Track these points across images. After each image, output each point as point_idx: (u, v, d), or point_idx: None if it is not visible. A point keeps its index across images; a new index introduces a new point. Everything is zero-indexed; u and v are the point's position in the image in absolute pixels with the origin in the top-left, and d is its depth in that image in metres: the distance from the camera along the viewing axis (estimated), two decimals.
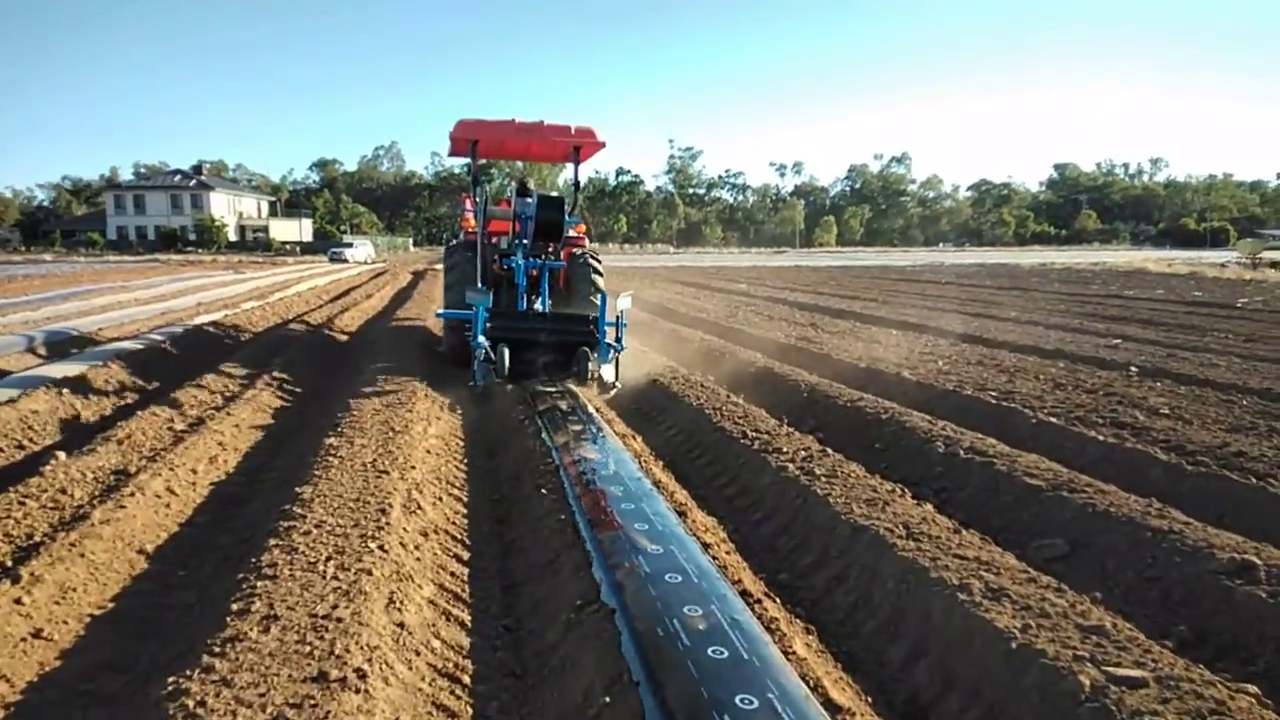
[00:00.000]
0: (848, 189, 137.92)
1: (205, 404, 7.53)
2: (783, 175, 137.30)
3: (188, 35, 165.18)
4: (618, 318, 8.63)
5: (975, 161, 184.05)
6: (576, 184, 11.38)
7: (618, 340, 8.60)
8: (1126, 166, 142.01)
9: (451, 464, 6.12)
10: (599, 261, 10.29)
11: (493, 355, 8.32)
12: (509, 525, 5.06)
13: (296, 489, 4.85)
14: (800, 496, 4.93)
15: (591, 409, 7.29)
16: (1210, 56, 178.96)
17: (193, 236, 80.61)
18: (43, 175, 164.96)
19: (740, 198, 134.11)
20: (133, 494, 4.78)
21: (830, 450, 5.72)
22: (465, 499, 5.41)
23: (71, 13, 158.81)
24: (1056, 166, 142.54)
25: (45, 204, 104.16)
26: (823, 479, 5.03)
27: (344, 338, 12.70)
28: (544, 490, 5.18)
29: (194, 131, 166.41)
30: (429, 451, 6.03)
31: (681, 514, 4.79)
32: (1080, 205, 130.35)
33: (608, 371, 8.47)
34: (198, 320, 12.77)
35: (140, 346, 9.85)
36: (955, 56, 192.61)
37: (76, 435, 6.49)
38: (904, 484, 5.07)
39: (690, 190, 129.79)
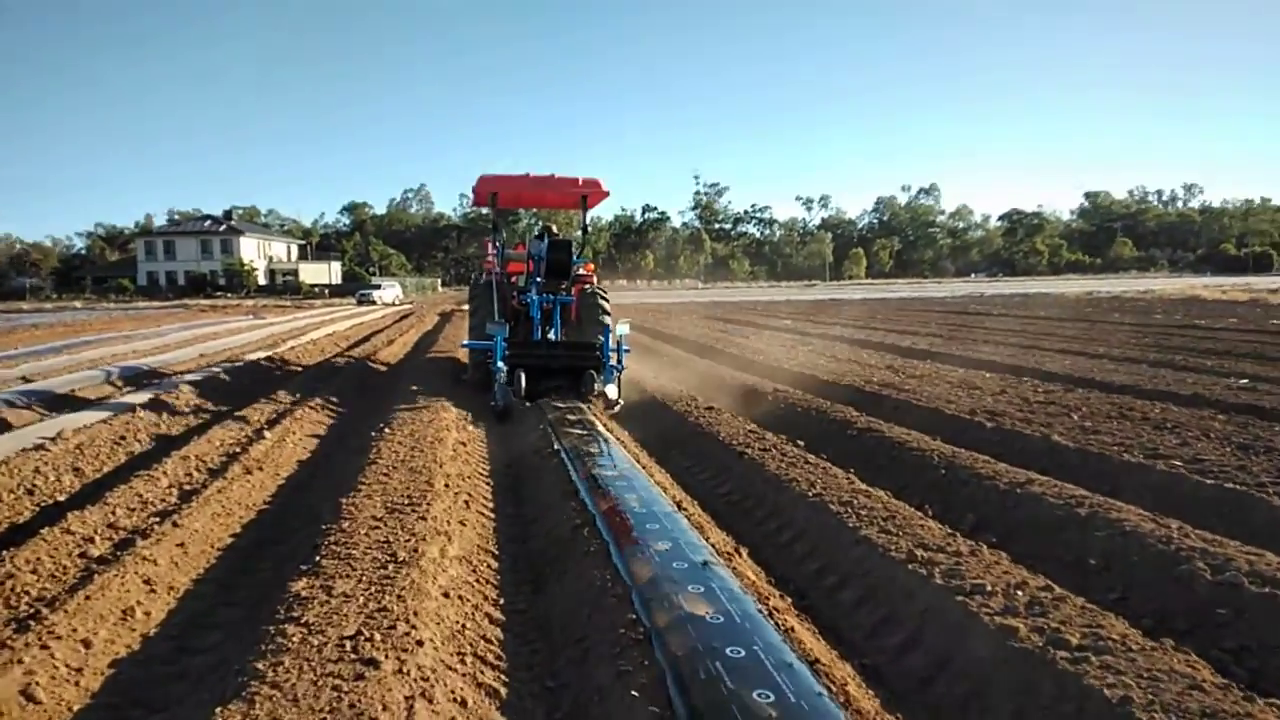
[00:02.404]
0: (876, 221, 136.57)
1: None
2: (809, 209, 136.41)
3: (223, 84, 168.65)
4: (618, 343, 9.80)
5: (1005, 191, 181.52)
6: (584, 229, 12.44)
7: (619, 362, 9.81)
8: (1160, 193, 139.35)
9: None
10: (606, 296, 11.10)
11: (511, 379, 9.35)
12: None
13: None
14: None
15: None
16: (1241, 81, 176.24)
17: (222, 281, 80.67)
18: (82, 224, 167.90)
19: (767, 232, 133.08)
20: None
21: (1058, 590, 3.62)
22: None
23: (112, 63, 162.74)
24: (1088, 195, 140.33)
25: (82, 252, 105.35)
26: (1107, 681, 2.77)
27: (336, 401, 11.34)
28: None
29: (228, 178, 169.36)
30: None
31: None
32: (1115, 233, 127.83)
33: (611, 390, 9.52)
34: (188, 373, 11.40)
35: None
36: (982, 85, 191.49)
37: None
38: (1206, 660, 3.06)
39: (717, 225, 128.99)
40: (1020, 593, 3.58)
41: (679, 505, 5.08)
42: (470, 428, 8.12)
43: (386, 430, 7.20)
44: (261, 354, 14.66)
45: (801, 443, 7.41)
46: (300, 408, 8.71)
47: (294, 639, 3.03)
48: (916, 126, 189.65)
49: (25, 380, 10.72)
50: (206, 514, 5.05)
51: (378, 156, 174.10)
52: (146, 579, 3.97)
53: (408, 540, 4.16)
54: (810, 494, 5.21)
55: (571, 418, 8.00)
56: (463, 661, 3.15)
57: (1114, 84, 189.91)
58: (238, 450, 6.80)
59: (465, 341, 11.33)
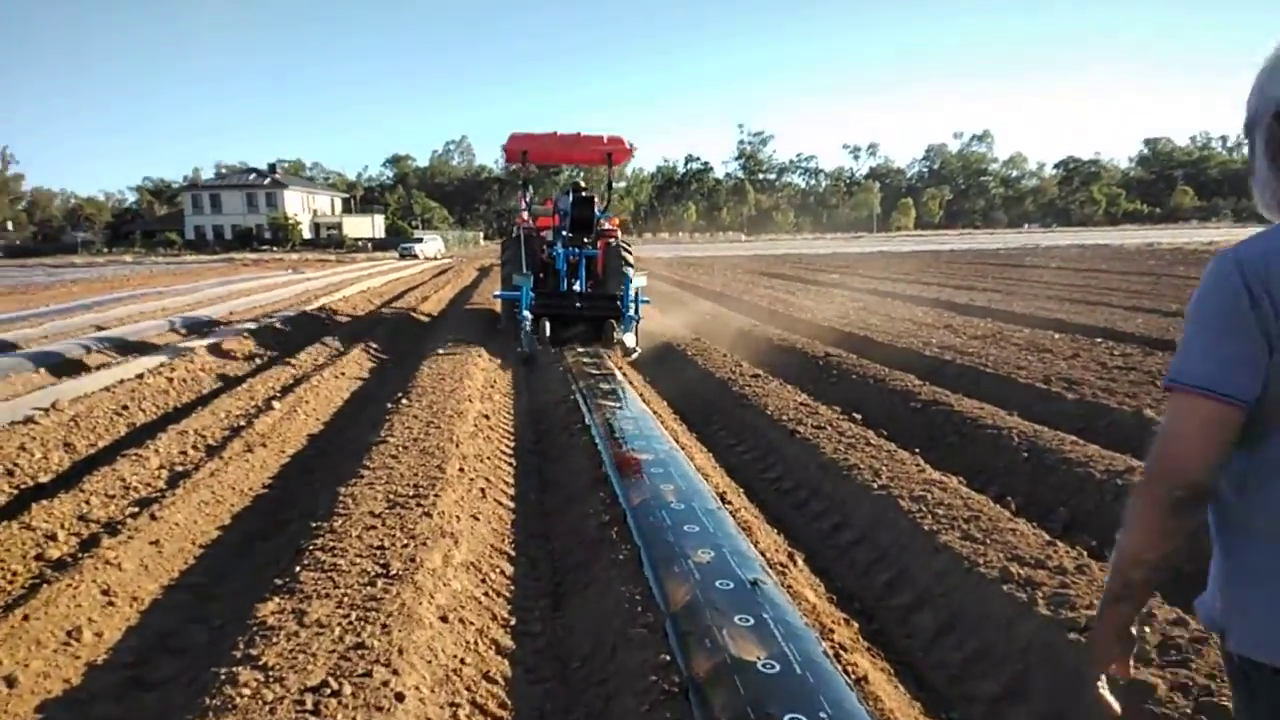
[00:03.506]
0: (926, 170, 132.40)
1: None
2: (857, 158, 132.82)
3: (269, 36, 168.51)
4: (636, 293, 10.40)
5: (1061, 138, 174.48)
6: (609, 184, 13.10)
7: (636, 313, 10.41)
8: (1225, 139, 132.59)
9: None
10: (630, 250, 11.58)
11: (536, 327, 9.99)
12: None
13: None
14: None
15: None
16: None
17: (268, 235, 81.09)
18: (134, 178, 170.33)
19: (813, 182, 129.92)
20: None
21: (1195, 626, 2.82)
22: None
23: (162, 14, 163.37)
24: (1147, 141, 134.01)
25: (133, 206, 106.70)
26: None
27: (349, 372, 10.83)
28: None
29: (274, 132, 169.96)
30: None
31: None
32: (1175, 181, 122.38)
33: (629, 339, 10.12)
34: (213, 330, 10.95)
35: None
36: (1037, 33, 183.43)
37: None
38: None
39: (761, 176, 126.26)
40: (1148, 630, 2.85)
41: (722, 498, 4.41)
42: (496, 397, 7.53)
43: (404, 401, 6.62)
44: (292, 311, 14.23)
45: (859, 417, 6.70)
46: (317, 374, 8.18)
47: (245, 690, 2.45)
48: (970, 71, 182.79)
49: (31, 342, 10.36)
50: (192, 503, 4.52)
51: (421, 107, 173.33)
52: (105, 589, 3.44)
53: (405, 546, 3.56)
54: (875, 485, 4.49)
55: (604, 386, 7.37)
56: (455, 717, 2.54)
57: (1174, 20, 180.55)
58: (241, 423, 6.29)
59: (497, 292, 12.22)
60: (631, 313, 10.31)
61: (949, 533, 3.80)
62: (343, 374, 8.52)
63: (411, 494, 4.25)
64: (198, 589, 3.75)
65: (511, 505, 4.77)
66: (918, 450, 5.56)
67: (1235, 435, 1.30)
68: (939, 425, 6.32)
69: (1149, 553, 1.38)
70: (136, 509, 4.42)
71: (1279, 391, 1.27)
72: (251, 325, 11.89)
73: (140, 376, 7.71)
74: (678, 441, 5.66)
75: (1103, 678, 1.54)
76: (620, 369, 8.57)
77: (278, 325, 12.20)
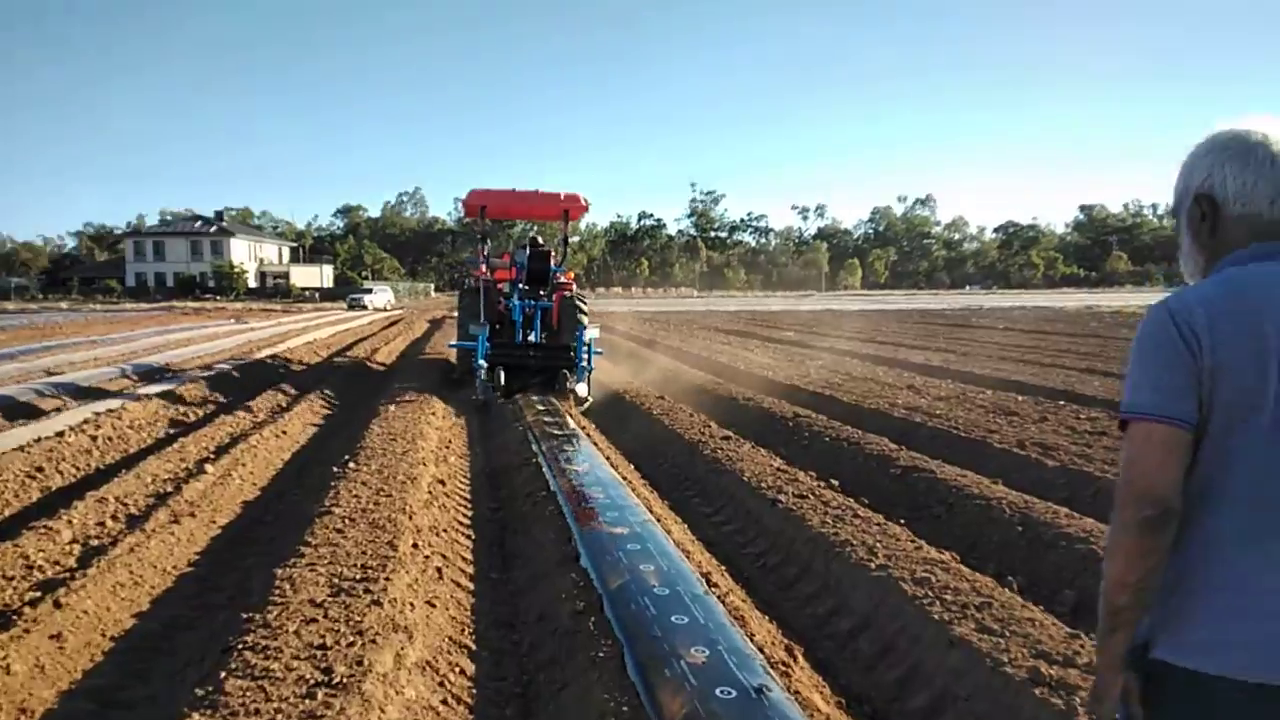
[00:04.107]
0: (871, 231, 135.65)
1: None
2: (805, 218, 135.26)
3: (221, 84, 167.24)
4: (589, 345, 10.77)
5: (1000, 203, 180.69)
6: (564, 240, 13.31)
7: (589, 364, 10.79)
8: (1155, 206, 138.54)
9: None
10: (584, 302, 12.03)
11: (491, 376, 10.26)
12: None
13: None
14: None
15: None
16: (1236, 93, 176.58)
17: (212, 283, 79.21)
18: (74, 223, 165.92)
19: (763, 240, 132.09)
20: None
21: None
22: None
23: (112, 59, 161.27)
24: (1083, 207, 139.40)
25: (73, 252, 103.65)
26: None
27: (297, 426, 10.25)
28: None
29: (222, 179, 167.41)
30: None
31: None
32: (1110, 247, 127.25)
33: (581, 388, 10.51)
34: (148, 384, 10.26)
35: None
36: (978, 98, 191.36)
37: None
38: None
39: (712, 233, 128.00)
40: None
41: (708, 580, 3.99)
42: (452, 459, 7.05)
43: (352, 464, 6.10)
44: (231, 364, 13.53)
45: (836, 483, 6.36)
46: (256, 433, 7.60)
47: None
48: (914, 137, 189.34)
49: None
50: (106, 585, 3.95)
51: (373, 159, 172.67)
52: None
53: (351, 644, 3.07)
54: (872, 565, 4.13)
55: (568, 448, 6.95)
56: None
57: (1109, 97, 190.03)
58: (169, 489, 5.70)
59: (452, 342, 12.48)
60: (584, 363, 10.68)
61: (963, 623, 3.43)
62: (284, 433, 7.94)
63: (359, 576, 3.76)
64: (104, 696, 3.19)
65: (471, 587, 4.29)
66: (903, 521, 5.23)
67: (1187, 456, 1.44)
68: (922, 494, 6.01)
69: (1130, 575, 1.46)
70: (39, 593, 3.84)
71: (1205, 421, 1.44)
72: (188, 379, 11.20)
73: (61, 434, 7.05)
74: (651, 511, 5.24)
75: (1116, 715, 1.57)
76: (584, 429, 8.16)
77: (215, 379, 11.52)
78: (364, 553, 4.10)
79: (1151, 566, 1.45)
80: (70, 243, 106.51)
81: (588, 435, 7.78)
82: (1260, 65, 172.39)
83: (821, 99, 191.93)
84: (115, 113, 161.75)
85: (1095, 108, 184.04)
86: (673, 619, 3.39)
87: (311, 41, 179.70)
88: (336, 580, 3.72)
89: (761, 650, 3.26)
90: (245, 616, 3.39)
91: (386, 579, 3.74)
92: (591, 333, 11.00)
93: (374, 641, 3.11)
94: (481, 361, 10.18)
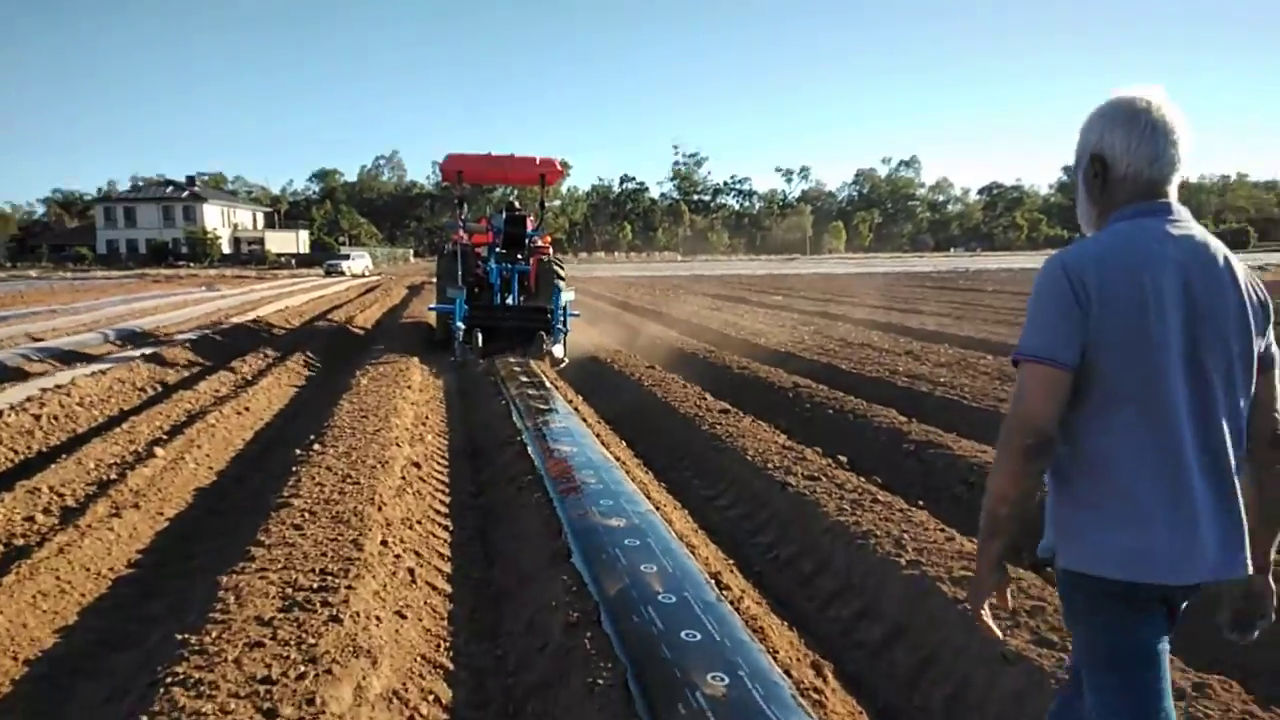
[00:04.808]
0: (855, 194, 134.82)
1: None
2: (789, 181, 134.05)
3: (191, 45, 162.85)
4: (565, 307, 11.02)
5: (985, 164, 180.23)
6: (542, 204, 13.55)
7: (564, 325, 11.03)
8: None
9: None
10: (561, 266, 12.34)
11: (470, 337, 10.60)
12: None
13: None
14: None
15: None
16: (1219, 54, 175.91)
17: (185, 250, 77.49)
18: (41, 189, 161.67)
19: (746, 204, 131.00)
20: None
21: None
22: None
23: (76, 20, 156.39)
24: (1066, 169, 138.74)
25: (43, 219, 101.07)
26: None
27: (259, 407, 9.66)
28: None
29: (194, 143, 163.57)
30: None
31: None
32: None
33: (557, 350, 10.80)
34: (106, 356, 9.61)
35: None
36: (963, 56, 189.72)
37: None
38: None
39: (695, 197, 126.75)
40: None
41: (718, 581, 3.51)
42: (429, 437, 6.51)
43: (317, 446, 5.55)
44: (195, 333, 12.86)
45: (845, 459, 5.90)
46: (215, 410, 7.02)
47: None
48: (897, 96, 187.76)
49: None
50: (26, 594, 3.42)
51: (349, 122, 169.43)
52: None
53: (302, 676, 2.56)
54: (901, 559, 3.65)
55: (555, 424, 6.43)
56: None
57: (1092, 56, 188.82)
58: (113, 475, 5.14)
59: (432, 305, 12.68)
60: (560, 325, 10.93)
61: (1016, 631, 2.97)
62: (247, 409, 7.37)
63: (316, 585, 3.24)
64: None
65: (449, 589, 3.78)
66: (923, 504, 4.77)
67: (1067, 395, 1.67)
68: (940, 471, 5.55)
69: (1011, 491, 1.68)
70: None
71: (1091, 362, 1.66)
72: (148, 350, 10.57)
73: (0, 413, 6.45)
74: (648, 495, 4.74)
75: (986, 608, 1.77)
76: (573, 403, 7.64)
77: (177, 350, 10.87)
78: (324, 554, 3.57)
79: (1029, 485, 1.66)
80: (39, 209, 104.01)
81: (576, 410, 7.26)
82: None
83: (806, 60, 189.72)
84: (84, 75, 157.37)
85: (1080, 69, 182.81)
86: (683, 635, 2.90)
87: (284, 2, 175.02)
88: (290, 590, 3.19)
89: (788, 672, 2.78)
90: (180, 639, 2.87)
91: (349, 587, 3.22)
92: (568, 295, 11.25)
93: (330, 671, 2.60)
94: (459, 323, 10.39)
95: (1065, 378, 1.64)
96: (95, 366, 8.94)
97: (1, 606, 3.28)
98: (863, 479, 5.11)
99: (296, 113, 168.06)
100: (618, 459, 5.58)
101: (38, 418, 6.61)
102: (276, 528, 3.89)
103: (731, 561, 4.23)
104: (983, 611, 1.78)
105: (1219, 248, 1.73)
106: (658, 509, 4.49)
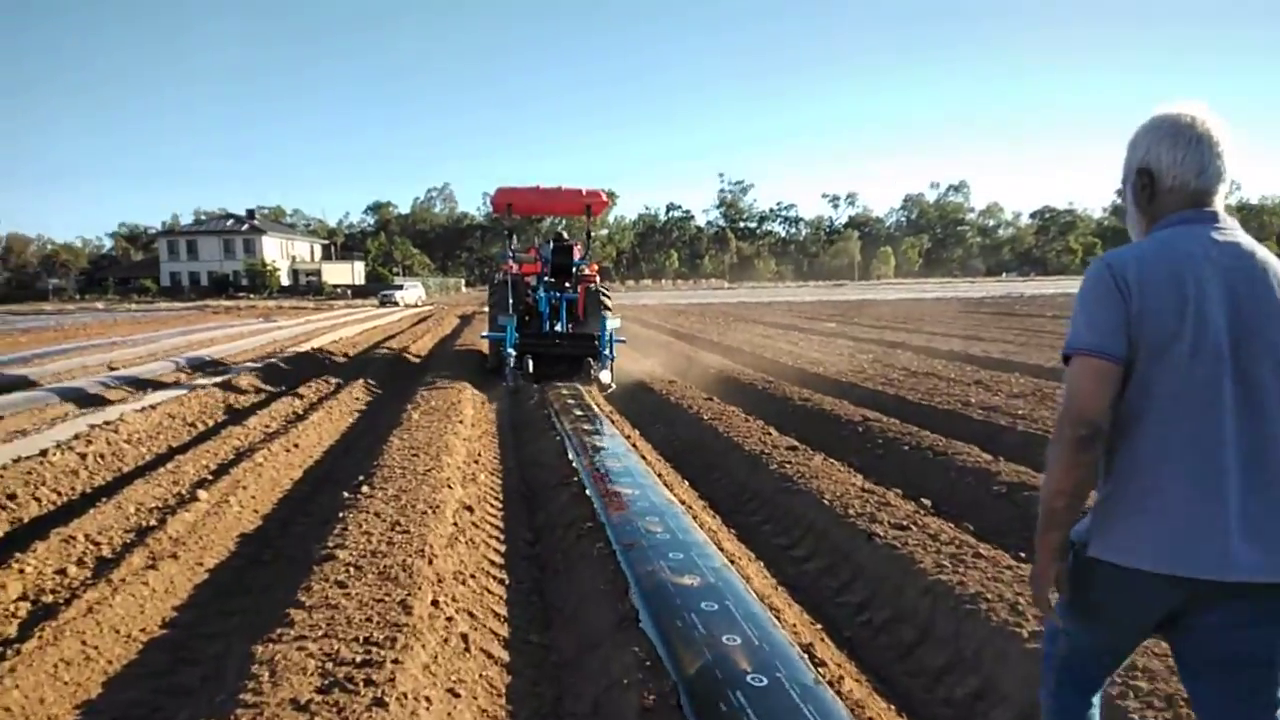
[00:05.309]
0: (904, 219, 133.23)
1: None
2: (836, 207, 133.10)
3: (253, 82, 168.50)
4: (611, 334, 11.32)
5: (1036, 188, 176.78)
6: (589, 234, 13.88)
7: (611, 352, 11.33)
8: None
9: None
10: (608, 294, 12.51)
11: (521, 363, 10.97)
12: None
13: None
14: None
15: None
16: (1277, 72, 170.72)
17: (245, 281, 79.39)
18: (109, 224, 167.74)
19: (793, 230, 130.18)
20: None
21: None
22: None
23: (145, 58, 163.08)
24: (1118, 191, 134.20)
25: (111, 253, 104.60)
26: None
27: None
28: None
29: (255, 178, 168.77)
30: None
31: None
32: None
33: (604, 375, 11.08)
34: (159, 389, 9.52)
35: None
36: (1011, 78, 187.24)
37: None
38: None
39: (741, 224, 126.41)
40: None
41: (812, 657, 3.07)
42: (481, 476, 6.18)
43: (365, 489, 5.24)
44: (250, 365, 12.82)
45: (928, 503, 5.41)
46: (264, 446, 6.78)
47: None
48: (945, 121, 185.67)
49: None
50: (47, 663, 3.12)
51: (403, 155, 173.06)
52: None
53: None
54: (1022, 631, 3.16)
55: (613, 463, 6.04)
56: None
57: (1146, 76, 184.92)
58: (152, 521, 4.89)
59: (484, 333, 13.01)
60: (607, 351, 11.22)
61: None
62: (296, 445, 7.12)
63: (360, 658, 2.88)
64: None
65: (505, 658, 3.40)
66: (1025, 557, 4.27)
67: (1117, 387, 1.71)
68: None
69: (1065, 483, 1.75)
70: None
71: (1132, 357, 1.71)
72: (201, 384, 10.48)
73: (45, 453, 6.28)
74: (720, 546, 4.32)
75: (1049, 598, 1.84)
76: (629, 438, 7.26)
77: (228, 383, 10.78)
78: (369, 619, 3.22)
79: (1082, 476, 1.75)
80: (108, 243, 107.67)
81: (634, 446, 6.88)
82: None
83: (853, 86, 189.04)
84: (150, 110, 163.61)
85: (1132, 89, 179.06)
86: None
87: (336, 41, 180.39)
88: (330, 665, 2.84)
89: None
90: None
91: (395, 661, 2.86)
92: (614, 323, 11.55)
93: None
94: (510, 350, 10.76)
95: (1115, 370, 1.69)
96: (146, 401, 8.82)
97: (19, 678, 2.99)
98: (957, 529, 4.62)
99: (352, 146, 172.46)
100: (683, 502, 5.17)
101: (83, 456, 6.44)
102: (319, 585, 3.56)
103: (817, 624, 3.79)
104: (1047, 600, 1.84)
105: (1266, 255, 1.76)
106: (732, 562, 4.07)
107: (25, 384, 10.66)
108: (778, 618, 3.41)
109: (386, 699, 2.61)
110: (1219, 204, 1.81)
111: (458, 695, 2.91)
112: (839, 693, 2.82)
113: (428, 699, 2.74)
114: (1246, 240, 1.77)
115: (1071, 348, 1.76)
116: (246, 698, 2.62)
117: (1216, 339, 1.67)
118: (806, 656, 3.04)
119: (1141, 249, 1.78)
